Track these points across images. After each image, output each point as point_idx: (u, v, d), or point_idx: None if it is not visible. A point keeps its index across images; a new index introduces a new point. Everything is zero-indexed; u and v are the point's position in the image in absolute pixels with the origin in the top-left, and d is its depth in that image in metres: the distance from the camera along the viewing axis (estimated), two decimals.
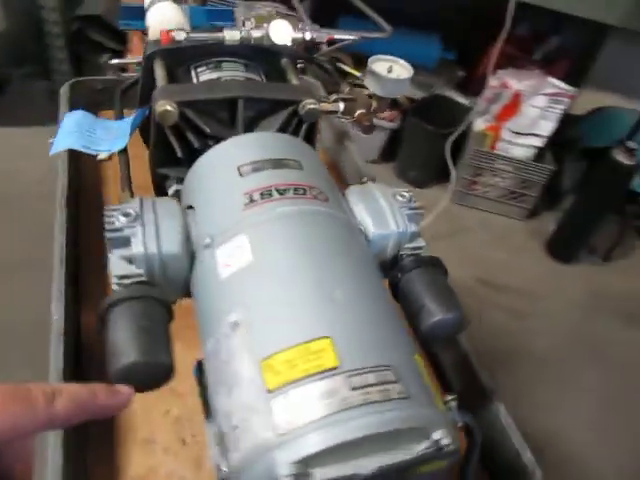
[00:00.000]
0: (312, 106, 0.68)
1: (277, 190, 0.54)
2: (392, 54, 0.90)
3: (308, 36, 0.74)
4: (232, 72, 0.72)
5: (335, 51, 0.85)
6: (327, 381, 0.42)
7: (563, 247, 2.26)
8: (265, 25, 0.72)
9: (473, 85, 2.38)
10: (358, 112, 0.88)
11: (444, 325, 0.58)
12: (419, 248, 0.63)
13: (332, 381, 0.42)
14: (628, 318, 2.11)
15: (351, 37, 0.81)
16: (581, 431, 1.73)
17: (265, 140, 0.63)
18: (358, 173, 0.96)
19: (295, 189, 0.55)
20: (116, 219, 0.53)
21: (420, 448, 0.43)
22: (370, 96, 0.90)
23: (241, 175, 0.56)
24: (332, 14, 1.97)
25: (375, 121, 0.90)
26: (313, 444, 0.39)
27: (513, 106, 2.21)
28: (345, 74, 0.98)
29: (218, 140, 0.63)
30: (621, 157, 1.95)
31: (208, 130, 0.64)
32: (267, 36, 0.72)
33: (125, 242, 0.53)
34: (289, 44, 0.73)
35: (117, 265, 0.52)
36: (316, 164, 0.62)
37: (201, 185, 0.60)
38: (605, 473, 1.64)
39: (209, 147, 0.62)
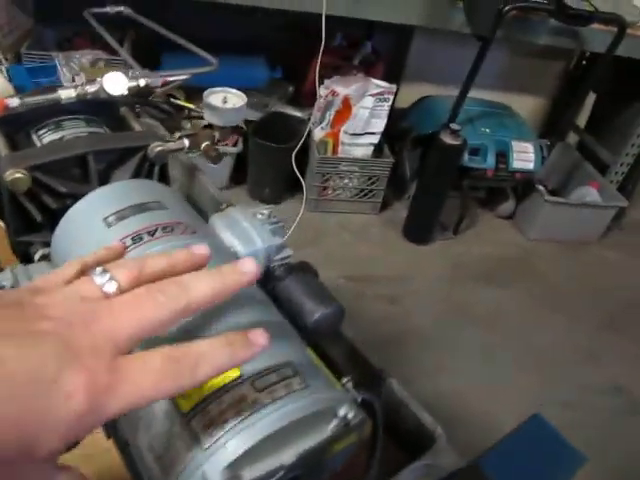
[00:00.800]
0: (160, 148, 0.72)
1: (147, 232, 0.57)
2: (222, 81, 0.95)
3: (143, 83, 0.78)
4: (74, 129, 0.74)
5: (169, 90, 0.89)
6: (234, 390, 0.46)
7: (417, 231, 2.44)
8: (99, 79, 0.74)
9: (305, 98, 2.51)
10: (203, 145, 0.92)
11: (325, 319, 0.64)
12: (287, 257, 0.69)
13: (238, 389, 0.46)
14: (485, 279, 2.34)
15: (183, 77, 0.85)
16: (473, 387, 1.89)
17: (124, 188, 0.65)
18: (214, 201, 1.00)
19: (163, 228, 0.58)
20: None
21: (330, 427, 0.49)
22: (211, 127, 0.95)
23: (108, 226, 0.58)
24: (154, 53, 1.99)
25: (218, 147, 0.95)
26: (234, 450, 0.43)
27: (345, 111, 2.35)
28: (181, 108, 1.02)
29: (75, 198, 0.64)
30: (448, 139, 2.16)
31: (63, 189, 0.66)
32: (102, 89, 0.75)
33: None
34: (125, 93, 0.76)
35: None
36: (176, 201, 0.66)
37: (70, 244, 0.61)
38: (498, 421, 1.81)
39: (67, 206, 0.64)
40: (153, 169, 0.74)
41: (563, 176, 2.75)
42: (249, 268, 0.39)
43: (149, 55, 1.97)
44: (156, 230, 0.57)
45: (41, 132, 0.73)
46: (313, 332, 0.63)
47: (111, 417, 0.29)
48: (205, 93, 0.93)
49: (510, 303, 2.25)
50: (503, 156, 2.35)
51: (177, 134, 0.92)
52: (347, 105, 2.36)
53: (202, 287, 0.35)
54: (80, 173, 0.70)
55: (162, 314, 0.32)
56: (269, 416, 0.45)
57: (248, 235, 0.66)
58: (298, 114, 2.44)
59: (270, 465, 0.46)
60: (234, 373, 0.47)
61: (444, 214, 2.40)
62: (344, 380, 0.57)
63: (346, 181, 2.44)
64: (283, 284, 0.65)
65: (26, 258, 0.70)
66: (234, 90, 0.95)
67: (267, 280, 0.67)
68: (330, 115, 2.40)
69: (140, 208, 0.61)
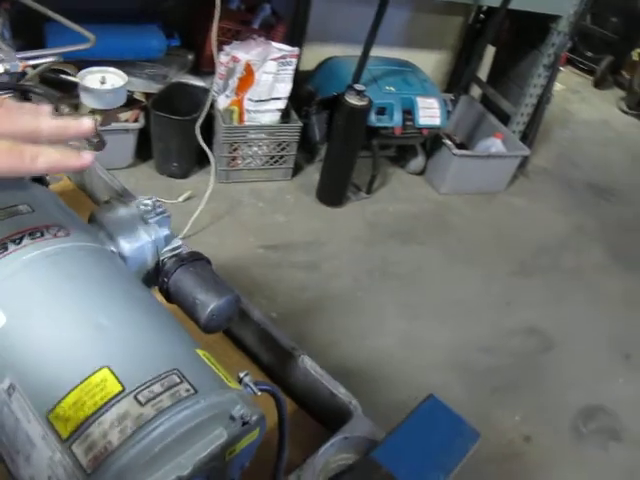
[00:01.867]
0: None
1: (12, 241, 0.52)
2: (113, 54, 0.89)
3: (0, 69, 0.70)
4: None
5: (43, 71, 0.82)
6: (116, 407, 0.43)
7: (331, 193, 2.44)
8: None
9: (206, 66, 2.41)
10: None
11: (221, 310, 0.62)
12: (177, 248, 0.66)
13: (120, 405, 0.43)
14: (402, 237, 2.38)
15: (51, 59, 0.78)
16: (398, 345, 1.93)
17: None
18: (108, 189, 0.95)
19: (30, 234, 0.53)
20: None
21: (228, 430, 0.47)
22: (92, 111, 0.89)
23: None
24: (37, 24, 1.84)
25: (119, 125, 0.89)
26: (121, 472, 0.41)
27: (248, 77, 2.29)
28: (74, 85, 0.94)
29: None
30: (353, 100, 2.15)
31: None
32: None
33: None
34: None
35: None
36: (49, 202, 0.61)
37: None
38: (425, 375, 1.86)
39: None
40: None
41: (469, 129, 2.81)
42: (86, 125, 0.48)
43: (30, 26, 1.83)
44: (22, 237, 0.53)
45: None
46: (208, 327, 0.61)
47: None
48: (80, 74, 0.86)
49: (427, 259, 2.31)
50: (409, 113, 2.37)
51: None
52: (249, 71, 2.29)
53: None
54: None
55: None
56: (155, 431, 0.42)
57: (132, 229, 0.62)
58: (200, 83, 2.35)
59: (167, 476, 0.44)
60: (115, 388, 0.44)
61: (356, 175, 2.41)
62: (241, 375, 0.56)
63: (255, 149, 2.39)
64: (174, 277, 0.62)
65: None
66: (113, 69, 0.89)
67: (158, 274, 0.63)
68: (233, 82, 2.33)
69: (5, 213, 0.55)
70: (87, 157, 0.46)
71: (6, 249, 0.52)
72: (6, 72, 0.71)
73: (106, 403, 0.43)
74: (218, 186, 2.26)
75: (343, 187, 2.41)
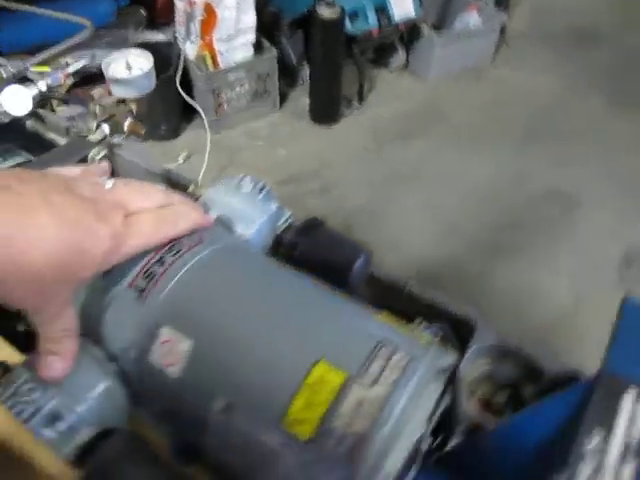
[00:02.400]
0: (104, 152, 0.62)
1: (156, 263, 0.50)
2: (61, 32, 0.83)
3: (44, 87, 0.65)
4: None
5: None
6: (348, 396, 0.43)
7: (324, 113, 2.38)
8: None
9: (161, 17, 2.28)
10: (127, 124, 0.81)
11: (361, 269, 0.61)
12: (289, 218, 0.64)
13: (351, 393, 0.43)
14: (403, 137, 2.34)
15: (82, 63, 0.72)
16: (431, 245, 1.94)
17: None
18: (162, 178, 0.90)
19: (170, 249, 0.51)
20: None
21: (439, 381, 0.47)
22: (123, 101, 0.84)
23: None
24: None
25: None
26: (377, 457, 0.41)
27: (210, 17, 2.17)
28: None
29: None
30: (325, 13, 2.05)
31: None
32: (2, 112, 0.62)
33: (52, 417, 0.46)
34: (30, 108, 0.64)
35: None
36: None
37: None
38: (468, 262, 1.89)
39: None
40: None
41: (441, 8, 2.70)
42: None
43: None
44: (163, 256, 0.50)
45: None
46: (355, 285, 0.60)
47: (127, 255, 0.45)
48: (103, 65, 0.80)
49: (434, 153, 2.29)
50: (383, 12, 2.27)
51: (92, 123, 0.81)
52: (210, 11, 2.17)
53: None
54: None
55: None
56: (396, 408, 0.42)
57: (245, 215, 0.60)
58: (162, 37, 2.23)
59: (407, 445, 0.44)
60: (338, 379, 0.43)
61: (344, 87, 2.34)
62: (417, 323, 0.55)
63: (238, 89, 2.31)
64: (301, 248, 0.60)
65: None
66: (134, 50, 0.83)
67: (282, 250, 0.62)
68: (195, 27, 2.21)
69: None
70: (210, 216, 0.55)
71: (152, 276, 0.49)
72: (49, 88, 0.65)
73: (336, 396, 0.43)
74: (212, 137, 2.20)
75: (335, 103, 2.35)
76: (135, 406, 0.51)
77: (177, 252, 0.50)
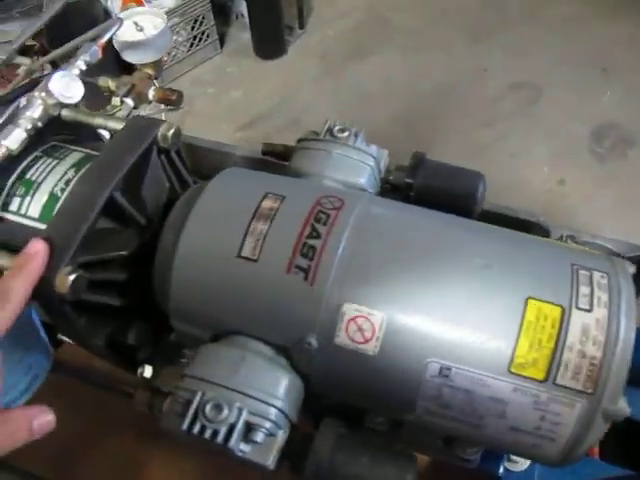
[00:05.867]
0: (172, 129, 0.55)
1: (309, 237, 0.45)
2: None
3: (83, 65, 0.57)
4: (61, 167, 0.55)
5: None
6: (571, 326, 0.41)
7: (269, 45, 2.27)
8: (40, 96, 0.53)
9: None
10: (152, 91, 0.73)
11: (483, 191, 0.58)
12: (386, 155, 0.60)
13: (574, 322, 0.41)
14: (357, 54, 2.27)
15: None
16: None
17: (220, 194, 0.51)
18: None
19: (317, 220, 0.46)
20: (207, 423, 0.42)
21: None
22: (137, 68, 0.75)
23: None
24: None
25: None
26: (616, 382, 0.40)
27: None
28: None
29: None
30: None
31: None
32: (53, 105, 0.54)
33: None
34: (83, 91, 0.56)
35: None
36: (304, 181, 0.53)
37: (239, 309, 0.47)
38: None
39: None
40: (173, 159, 0.58)
41: None
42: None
43: None
44: (319, 220, 0.46)
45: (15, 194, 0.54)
46: (478, 212, 0.58)
47: None
48: (103, 26, 0.71)
49: (389, 63, 2.23)
50: None
51: (114, 100, 0.73)
52: None
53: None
54: (114, 221, 0.53)
55: None
56: (621, 324, 0.41)
57: (352, 164, 0.55)
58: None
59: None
60: (555, 312, 0.42)
61: (285, 16, 2.22)
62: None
63: (174, 38, 2.15)
64: (419, 184, 0.57)
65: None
66: (140, 8, 0.74)
67: (396, 193, 0.58)
68: None
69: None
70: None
71: (318, 235, 0.45)
72: (87, 64, 0.57)
73: (559, 329, 0.41)
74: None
75: (278, 33, 2.24)
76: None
77: (326, 219, 0.46)
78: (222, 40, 2.33)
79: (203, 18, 2.18)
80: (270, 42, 2.27)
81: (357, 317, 0.43)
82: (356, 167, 0.55)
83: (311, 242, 0.45)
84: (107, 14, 2.02)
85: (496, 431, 0.43)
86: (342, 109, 2.06)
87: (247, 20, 2.23)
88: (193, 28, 2.19)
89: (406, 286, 0.44)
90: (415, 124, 2.02)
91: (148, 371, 0.62)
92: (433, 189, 0.57)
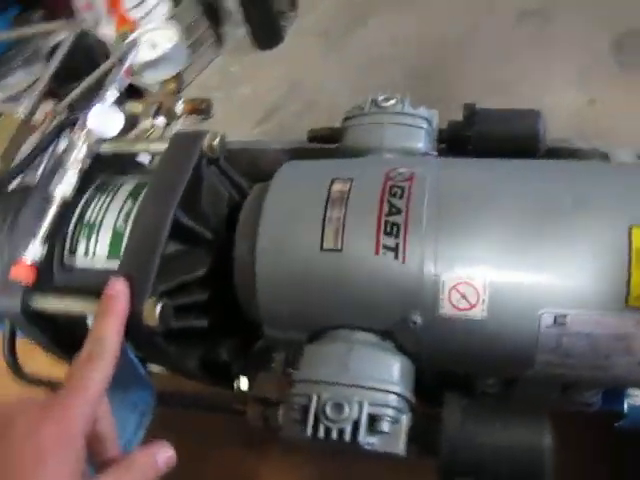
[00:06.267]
0: (217, 138, 0.54)
1: (389, 214, 0.43)
2: None
3: (115, 93, 0.56)
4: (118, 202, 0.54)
5: None
6: None
7: (266, 35, 2.25)
8: (81, 135, 0.52)
9: (61, 12, 2.08)
10: (183, 105, 0.72)
11: (543, 122, 0.56)
12: (435, 117, 0.58)
13: None
14: (361, 23, 2.22)
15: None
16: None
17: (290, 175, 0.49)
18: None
19: (392, 194, 0.44)
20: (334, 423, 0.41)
21: None
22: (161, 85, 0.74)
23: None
24: None
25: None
26: None
27: None
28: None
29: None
30: None
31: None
32: (95, 141, 0.53)
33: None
34: (123, 123, 0.55)
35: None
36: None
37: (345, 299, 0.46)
38: None
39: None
40: (223, 167, 0.57)
41: None
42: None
43: None
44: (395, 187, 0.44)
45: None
46: (544, 149, 0.55)
47: None
48: (126, 47, 0.69)
49: (393, 23, 2.17)
50: None
51: (145, 122, 0.72)
52: None
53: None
54: (182, 243, 0.53)
55: None
56: None
57: (406, 130, 0.53)
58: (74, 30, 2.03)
59: None
60: None
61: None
62: None
63: None
64: (478, 128, 0.54)
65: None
66: (151, 26, 0.72)
67: (460, 143, 0.55)
68: (101, 4, 2.01)
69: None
70: None
71: (398, 211, 0.43)
72: (118, 93, 0.56)
73: None
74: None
75: (274, 20, 2.20)
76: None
77: (401, 192, 0.44)
78: (219, 41, 2.31)
79: (197, 22, 2.16)
80: (266, 32, 2.24)
81: (458, 284, 0.42)
82: (412, 133, 0.53)
83: (393, 219, 0.43)
84: (101, 43, 2.02)
85: (625, 369, 0.41)
86: (354, 80, 2.02)
87: (239, 15, 2.20)
88: (190, 34, 2.17)
89: (500, 242, 0.42)
90: (432, 76, 1.97)
91: (244, 383, 0.61)
92: (494, 137, 0.54)
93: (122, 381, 0.55)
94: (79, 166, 0.52)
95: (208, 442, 0.91)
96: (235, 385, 0.61)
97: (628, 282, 0.39)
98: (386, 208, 0.43)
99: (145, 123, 0.70)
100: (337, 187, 0.45)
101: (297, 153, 0.77)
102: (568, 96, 1.83)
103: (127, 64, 0.61)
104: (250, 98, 2.13)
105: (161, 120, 0.70)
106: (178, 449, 0.47)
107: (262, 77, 2.18)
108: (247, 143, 0.80)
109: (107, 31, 2.05)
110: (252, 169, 0.83)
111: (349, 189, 0.44)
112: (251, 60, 2.25)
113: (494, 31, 2.03)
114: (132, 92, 0.74)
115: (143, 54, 0.69)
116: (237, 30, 2.30)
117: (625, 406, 0.59)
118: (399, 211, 0.42)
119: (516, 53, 1.96)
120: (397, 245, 0.42)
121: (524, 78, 1.91)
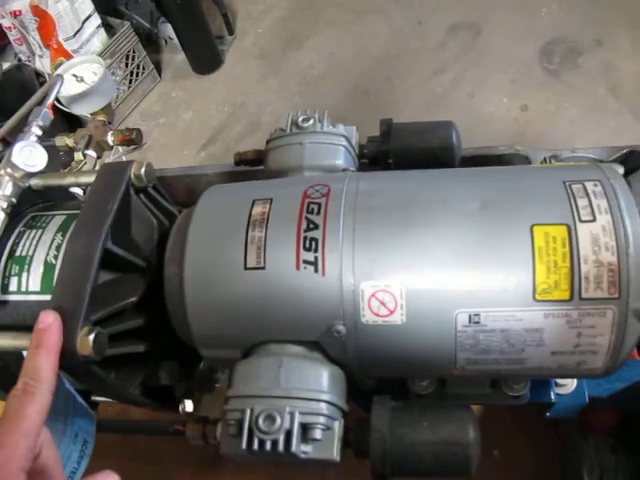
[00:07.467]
0: (144, 167, 0.55)
1: (308, 230, 0.46)
2: None
3: (39, 131, 0.56)
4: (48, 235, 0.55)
5: None
6: (583, 240, 0.42)
7: (205, 60, 2.27)
8: (6, 172, 0.53)
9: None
10: (111, 136, 0.73)
11: (456, 132, 0.59)
12: (354, 133, 0.61)
13: (583, 235, 0.42)
14: (295, 42, 2.26)
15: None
16: None
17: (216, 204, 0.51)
18: None
19: (309, 211, 0.47)
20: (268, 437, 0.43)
21: None
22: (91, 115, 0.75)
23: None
24: None
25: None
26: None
27: (44, 20, 1.95)
28: None
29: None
30: None
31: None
32: (21, 177, 0.54)
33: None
34: (46, 158, 0.55)
35: None
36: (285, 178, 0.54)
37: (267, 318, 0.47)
38: None
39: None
40: (152, 195, 0.58)
41: None
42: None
43: None
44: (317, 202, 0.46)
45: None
46: (459, 157, 0.58)
47: None
48: (51, 84, 0.70)
49: (329, 41, 2.22)
50: None
51: (77, 155, 0.72)
52: (40, 12, 1.96)
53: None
54: (114, 271, 0.53)
55: None
56: (627, 225, 0.42)
57: (324, 148, 0.56)
58: (6, 64, 2.01)
59: None
60: (561, 232, 0.42)
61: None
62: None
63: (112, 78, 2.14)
64: (396, 144, 0.57)
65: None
66: (73, 60, 0.73)
67: (378, 161, 0.58)
68: (35, 38, 2.00)
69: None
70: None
71: (316, 227, 0.45)
72: (42, 128, 0.57)
73: (570, 246, 0.42)
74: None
75: (212, 45, 2.22)
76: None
77: (318, 208, 0.46)
78: (158, 68, 2.31)
79: (134, 52, 2.16)
80: (205, 56, 2.26)
81: (376, 292, 0.44)
82: (330, 150, 0.55)
83: (311, 234, 0.45)
84: (38, 76, 2.01)
85: (539, 360, 0.44)
86: (295, 99, 2.06)
87: (177, 42, 2.22)
88: (127, 65, 2.17)
89: (414, 248, 0.44)
90: (370, 91, 2.02)
91: (189, 405, 0.62)
92: (410, 150, 0.57)
93: (61, 412, 0.55)
94: (5, 204, 0.52)
95: (157, 468, 0.91)
96: (181, 408, 0.62)
97: (534, 278, 0.41)
98: (304, 224, 0.45)
99: (78, 155, 0.71)
100: (257, 209, 0.46)
101: (232, 177, 0.78)
102: (502, 103, 1.91)
103: (51, 100, 0.61)
104: (193, 122, 2.14)
105: (92, 152, 0.71)
106: (123, 475, 0.47)
107: (204, 101, 2.20)
108: (182, 169, 0.82)
109: (43, 64, 2.03)
110: (190, 195, 0.84)
111: (268, 210, 0.46)
112: (192, 85, 2.26)
113: (427, 44, 2.10)
114: (73, 122, 0.74)
115: (70, 88, 0.69)
116: (176, 56, 2.31)
117: (552, 396, 0.62)
118: (317, 226, 0.44)
119: (450, 64, 2.03)
120: (316, 259, 0.44)
121: (460, 89, 1.98)
